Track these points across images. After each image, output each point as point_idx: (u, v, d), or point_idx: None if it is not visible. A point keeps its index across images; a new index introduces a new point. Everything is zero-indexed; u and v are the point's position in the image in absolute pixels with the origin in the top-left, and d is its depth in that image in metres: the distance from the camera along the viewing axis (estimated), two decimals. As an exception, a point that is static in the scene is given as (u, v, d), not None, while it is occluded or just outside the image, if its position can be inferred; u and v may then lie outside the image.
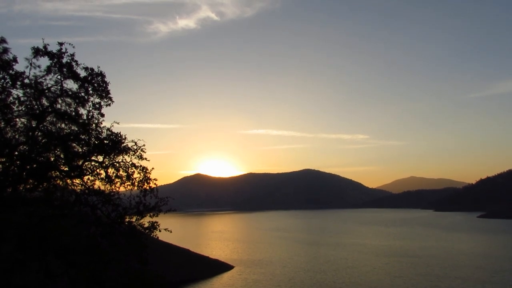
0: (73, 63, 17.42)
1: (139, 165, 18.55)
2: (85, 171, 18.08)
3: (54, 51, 17.06)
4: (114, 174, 18.27)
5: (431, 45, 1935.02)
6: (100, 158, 18.17)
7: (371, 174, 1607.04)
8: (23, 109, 17.37)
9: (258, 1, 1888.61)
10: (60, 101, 18.01)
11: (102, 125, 18.30)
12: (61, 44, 17.06)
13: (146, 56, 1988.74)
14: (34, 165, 17.35)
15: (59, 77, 17.59)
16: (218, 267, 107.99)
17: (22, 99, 17.24)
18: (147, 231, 18.32)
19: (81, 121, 18.16)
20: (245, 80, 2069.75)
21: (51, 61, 17.13)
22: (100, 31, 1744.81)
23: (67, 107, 18.13)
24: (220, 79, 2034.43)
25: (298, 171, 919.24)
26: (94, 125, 18.21)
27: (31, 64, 16.91)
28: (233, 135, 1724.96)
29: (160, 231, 18.68)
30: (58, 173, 17.93)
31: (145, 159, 18.67)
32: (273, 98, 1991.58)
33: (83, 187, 18.11)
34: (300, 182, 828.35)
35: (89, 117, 18.25)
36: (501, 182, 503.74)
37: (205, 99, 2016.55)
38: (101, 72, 18.13)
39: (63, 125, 18.20)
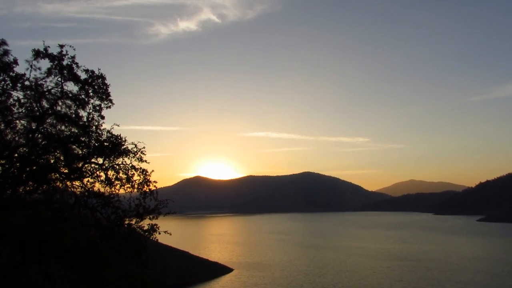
0: (74, 65, 17.45)
1: (139, 167, 18.54)
2: (85, 173, 18.05)
3: (55, 53, 17.08)
4: (114, 177, 18.25)
5: (432, 48, 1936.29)
6: (100, 160, 18.16)
7: (371, 177, 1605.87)
8: (23, 111, 17.37)
9: (260, 3, 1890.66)
10: (60, 103, 18.02)
11: (102, 127, 18.33)
12: (61, 46, 17.09)
13: (147, 58, 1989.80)
14: (34, 167, 17.33)
15: (59, 79, 17.60)
16: (217, 270, 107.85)
17: (22, 101, 17.26)
18: (146, 233, 18.27)
19: (81, 123, 18.16)
20: (245, 83, 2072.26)
21: (51, 63, 17.14)
22: (101, 33, 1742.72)
23: (67, 109, 18.14)
24: (221, 82, 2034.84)
25: (298, 174, 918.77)
26: (94, 127, 18.21)
27: (31, 66, 16.93)
28: (233, 137, 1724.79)
29: (159, 233, 18.64)
30: (58, 175, 17.91)
31: (145, 161, 18.66)
32: (273, 101, 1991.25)
33: (82, 189, 18.09)
34: (299, 185, 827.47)
35: (89, 119, 18.25)
36: (501, 185, 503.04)
37: (206, 102, 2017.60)
38: (101, 74, 18.15)
39: (63, 127, 18.20)
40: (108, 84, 18.44)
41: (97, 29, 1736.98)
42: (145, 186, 18.53)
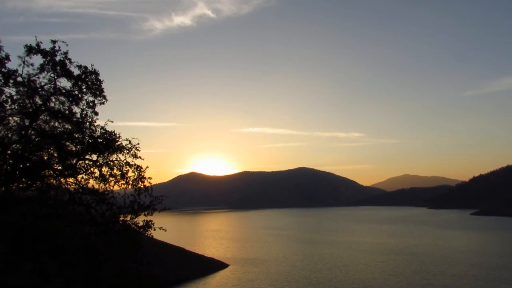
0: (67, 61, 17.29)
1: (133, 163, 18.44)
2: (79, 170, 17.93)
3: (47, 49, 16.91)
4: (108, 173, 18.13)
5: (426, 44, 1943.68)
6: (94, 157, 18.04)
7: (366, 172, 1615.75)
8: (16, 107, 17.21)
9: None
10: (53, 100, 17.87)
11: (96, 124, 18.18)
12: (54, 42, 16.92)
13: (141, 53, 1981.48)
14: (27, 164, 17.21)
15: (52, 75, 17.44)
16: (213, 266, 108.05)
17: (15, 97, 17.08)
18: (141, 230, 18.22)
19: (74, 119, 18.01)
20: (241, 78, 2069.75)
21: (44, 59, 16.98)
22: (95, 28, 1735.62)
23: (61, 106, 17.98)
24: (216, 77, 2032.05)
25: (293, 169, 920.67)
26: (88, 123, 18.08)
27: (24, 62, 16.75)
28: (228, 133, 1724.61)
29: (154, 229, 18.58)
30: (51, 172, 17.78)
31: (140, 157, 18.56)
32: (268, 96, 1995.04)
33: (77, 186, 17.96)
34: (295, 180, 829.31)
35: (83, 115, 18.10)
36: (494, 179, 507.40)
37: (201, 97, 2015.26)
38: (94, 70, 18.00)
39: (56, 124, 18.06)
40: (101, 80, 18.32)
41: (91, 24, 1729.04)
42: (140, 183, 18.45)
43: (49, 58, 17.01)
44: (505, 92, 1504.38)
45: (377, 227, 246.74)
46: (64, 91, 17.83)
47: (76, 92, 18.00)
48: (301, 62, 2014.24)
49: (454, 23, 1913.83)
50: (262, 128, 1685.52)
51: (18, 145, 17.22)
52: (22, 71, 16.85)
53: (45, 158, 17.72)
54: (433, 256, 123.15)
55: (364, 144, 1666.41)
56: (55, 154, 17.81)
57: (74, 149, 17.94)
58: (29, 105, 17.40)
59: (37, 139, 17.55)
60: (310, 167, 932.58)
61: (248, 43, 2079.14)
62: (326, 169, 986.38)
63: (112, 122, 18.28)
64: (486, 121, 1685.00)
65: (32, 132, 17.60)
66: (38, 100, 17.64)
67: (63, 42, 17.11)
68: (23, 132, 17.27)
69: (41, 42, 16.81)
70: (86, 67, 17.82)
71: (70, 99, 17.97)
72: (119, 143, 18.12)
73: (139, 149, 18.53)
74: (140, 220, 18.21)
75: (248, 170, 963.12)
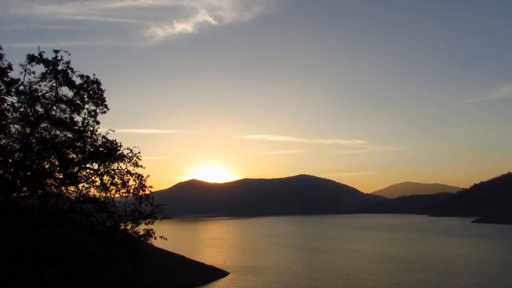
0: (69, 71, 17.34)
1: (134, 172, 18.43)
2: (80, 179, 17.91)
3: (50, 58, 16.95)
4: (109, 182, 18.09)
5: (426, 52, 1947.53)
6: (95, 166, 18.02)
7: (366, 180, 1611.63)
8: (18, 115, 17.23)
9: (256, 5, 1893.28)
10: (55, 108, 17.90)
11: (97, 132, 18.20)
12: (56, 51, 16.98)
13: (143, 60, 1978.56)
14: (29, 173, 17.20)
15: (54, 84, 17.49)
16: (213, 274, 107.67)
17: (16, 105, 17.12)
18: (142, 238, 18.15)
19: (76, 128, 18.04)
20: (242, 85, 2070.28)
21: (46, 68, 17.03)
22: (96, 35, 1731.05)
23: (62, 114, 18.02)
24: (217, 84, 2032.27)
25: (293, 176, 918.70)
26: (89, 132, 18.10)
27: (25, 70, 16.79)
28: (229, 140, 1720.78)
29: (155, 238, 18.50)
30: (52, 180, 17.77)
31: (141, 166, 18.54)
32: (269, 104, 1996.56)
33: (78, 194, 17.93)
34: (295, 187, 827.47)
35: (84, 124, 18.13)
36: (495, 187, 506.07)
37: (202, 104, 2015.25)
38: (96, 79, 18.05)
39: (58, 132, 18.08)
40: (103, 89, 18.37)
41: (92, 31, 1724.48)
42: (141, 191, 18.42)
43: (51, 67, 17.06)
44: (506, 99, 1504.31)
45: (378, 234, 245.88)
46: (65, 99, 17.87)
47: (78, 101, 18.04)
48: (301, 70, 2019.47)
49: (454, 30, 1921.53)
50: (262, 135, 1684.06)
51: (19, 154, 17.23)
52: (24, 80, 16.90)
53: (47, 166, 17.73)
54: (435, 264, 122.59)
55: (365, 151, 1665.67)
56: (56, 163, 17.81)
57: (75, 157, 17.96)
58: (30, 113, 17.44)
59: (38, 147, 17.57)
60: (311, 174, 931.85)
61: (249, 50, 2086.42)
62: (326, 177, 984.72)
63: (113, 131, 18.33)
64: (487, 128, 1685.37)
65: (34, 140, 17.62)
66: (39, 108, 17.67)
67: (65, 51, 17.18)
68: (24, 140, 17.29)
69: (43, 52, 16.88)
70: (88, 77, 17.86)
71: (72, 107, 18.01)
72: (120, 152, 18.12)
73: (140, 158, 18.52)
74: (141, 228, 18.16)
75: (248, 177, 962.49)
